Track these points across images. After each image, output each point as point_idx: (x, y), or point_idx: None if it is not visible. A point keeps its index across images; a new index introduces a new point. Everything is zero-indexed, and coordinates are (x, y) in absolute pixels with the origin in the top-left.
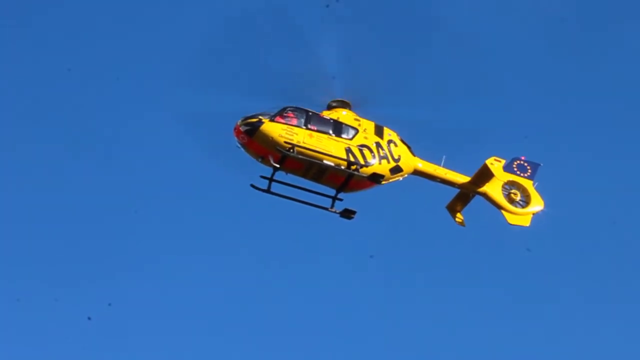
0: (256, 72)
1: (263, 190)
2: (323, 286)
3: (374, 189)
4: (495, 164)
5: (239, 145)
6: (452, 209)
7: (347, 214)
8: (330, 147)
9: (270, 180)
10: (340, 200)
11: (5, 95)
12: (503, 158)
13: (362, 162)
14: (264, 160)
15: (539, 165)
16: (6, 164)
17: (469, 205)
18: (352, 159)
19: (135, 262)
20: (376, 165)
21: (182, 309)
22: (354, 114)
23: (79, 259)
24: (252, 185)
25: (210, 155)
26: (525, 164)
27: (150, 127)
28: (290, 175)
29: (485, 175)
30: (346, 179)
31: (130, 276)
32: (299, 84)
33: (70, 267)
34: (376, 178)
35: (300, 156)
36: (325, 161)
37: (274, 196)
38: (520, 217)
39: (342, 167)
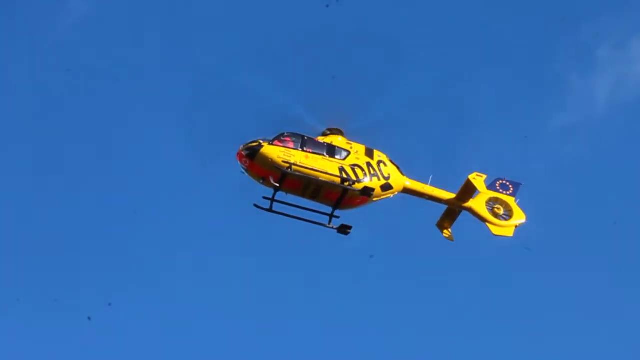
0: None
1: (265, 210)
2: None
3: (368, 206)
4: (478, 179)
5: (243, 170)
6: (441, 225)
7: (344, 229)
8: (325, 166)
9: (272, 200)
10: (337, 217)
11: (5, 95)
12: (485, 173)
13: (354, 179)
14: (266, 181)
15: (520, 184)
16: (6, 163)
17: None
18: (345, 176)
19: (135, 263)
20: (368, 182)
21: (181, 311)
22: (346, 139)
23: (79, 259)
24: (256, 205)
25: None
26: (508, 183)
27: (155, 128)
28: (289, 195)
29: (469, 189)
30: (341, 195)
31: (130, 276)
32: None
33: (70, 267)
34: (367, 192)
35: (297, 174)
36: (320, 178)
37: (275, 214)
38: (503, 229)
39: (337, 184)
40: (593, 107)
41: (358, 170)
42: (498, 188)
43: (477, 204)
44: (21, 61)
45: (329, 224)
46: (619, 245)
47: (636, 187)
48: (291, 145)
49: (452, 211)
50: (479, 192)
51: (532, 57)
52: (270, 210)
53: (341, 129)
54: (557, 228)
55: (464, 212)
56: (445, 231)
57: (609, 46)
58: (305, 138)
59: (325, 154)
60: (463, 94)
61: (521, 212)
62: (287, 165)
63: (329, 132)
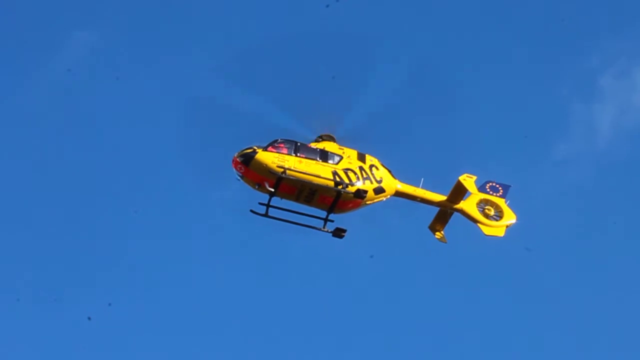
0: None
1: (262, 215)
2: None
3: (361, 210)
4: (468, 180)
5: (238, 177)
6: (433, 228)
7: (338, 232)
8: (318, 170)
9: (267, 205)
10: (332, 221)
11: (5, 95)
12: (474, 174)
13: (347, 182)
14: (261, 187)
15: (509, 186)
16: (6, 163)
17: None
18: (338, 179)
19: (135, 262)
20: (360, 185)
21: (182, 310)
22: (338, 145)
23: (79, 259)
24: (252, 211)
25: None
26: (497, 186)
27: (154, 127)
28: (284, 200)
29: (460, 190)
30: (335, 199)
31: (130, 276)
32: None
33: (70, 267)
34: (360, 194)
35: (292, 178)
36: (314, 182)
37: (271, 219)
38: (495, 229)
39: (330, 187)
40: (596, 136)
41: (351, 174)
42: (488, 190)
43: (468, 205)
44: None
45: (323, 227)
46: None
47: (639, 215)
48: (285, 151)
49: (444, 213)
50: (470, 193)
51: (535, 85)
52: (266, 215)
53: (333, 136)
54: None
55: (455, 215)
56: (437, 233)
57: (611, 75)
58: (298, 144)
59: (318, 158)
60: (466, 119)
61: (511, 212)
62: (282, 169)
63: (320, 139)
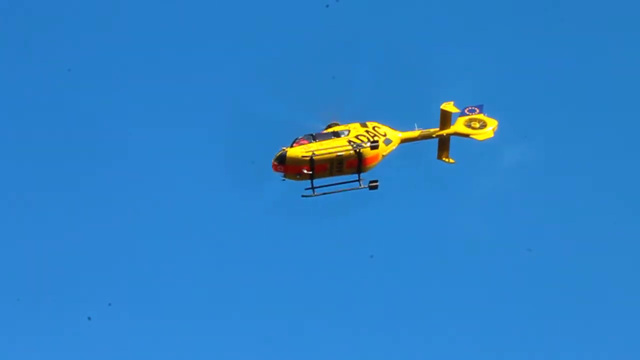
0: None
1: (312, 196)
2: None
3: (382, 162)
4: (447, 105)
5: (282, 178)
6: (440, 157)
7: (372, 184)
8: (337, 144)
9: (312, 188)
10: (363, 180)
11: (5, 95)
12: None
13: (360, 143)
14: (301, 175)
15: (482, 105)
16: (6, 164)
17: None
18: (354, 145)
19: (135, 262)
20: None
21: (181, 310)
22: (342, 125)
23: (79, 259)
24: (303, 195)
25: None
26: (473, 107)
27: (153, 126)
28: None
29: (445, 116)
30: (359, 160)
31: (130, 276)
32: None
33: (70, 267)
34: (375, 145)
35: (321, 156)
36: (338, 152)
37: (320, 196)
38: (485, 134)
39: (352, 152)
40: None
41: (362, 137)
42: (467, 113)
43: (458, 127)
44: None
45: (360, 185)
46: None
47: None
48: (305, 142)
49: (443, 142)
50: (457, 117)
51: None
52: (314, 195)
53: (337, 122)
54: None
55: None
56: (445, 159)
57: None
58: (314, 134)
59: (333, 137)
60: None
61: (492, 119)
62: (311, 153)
63: (328, 127)
